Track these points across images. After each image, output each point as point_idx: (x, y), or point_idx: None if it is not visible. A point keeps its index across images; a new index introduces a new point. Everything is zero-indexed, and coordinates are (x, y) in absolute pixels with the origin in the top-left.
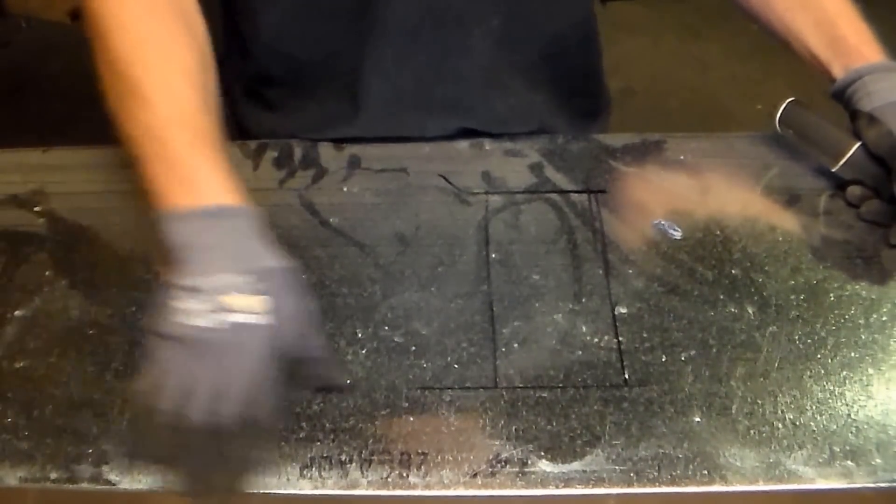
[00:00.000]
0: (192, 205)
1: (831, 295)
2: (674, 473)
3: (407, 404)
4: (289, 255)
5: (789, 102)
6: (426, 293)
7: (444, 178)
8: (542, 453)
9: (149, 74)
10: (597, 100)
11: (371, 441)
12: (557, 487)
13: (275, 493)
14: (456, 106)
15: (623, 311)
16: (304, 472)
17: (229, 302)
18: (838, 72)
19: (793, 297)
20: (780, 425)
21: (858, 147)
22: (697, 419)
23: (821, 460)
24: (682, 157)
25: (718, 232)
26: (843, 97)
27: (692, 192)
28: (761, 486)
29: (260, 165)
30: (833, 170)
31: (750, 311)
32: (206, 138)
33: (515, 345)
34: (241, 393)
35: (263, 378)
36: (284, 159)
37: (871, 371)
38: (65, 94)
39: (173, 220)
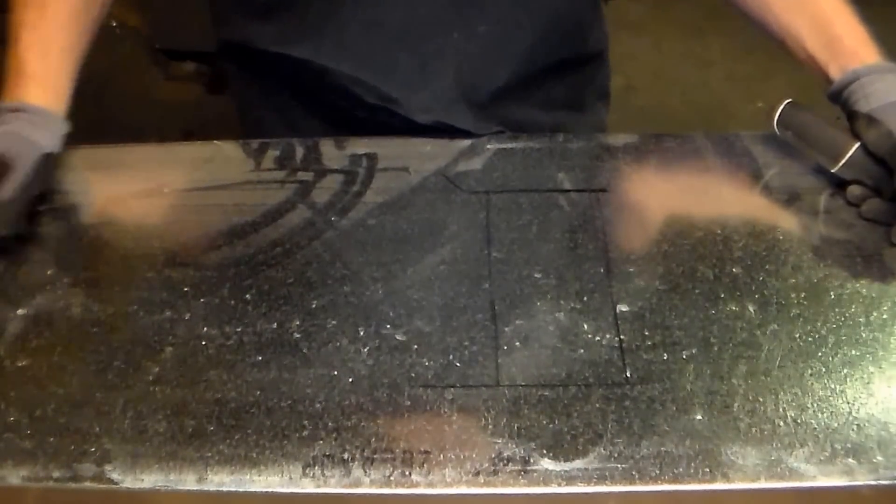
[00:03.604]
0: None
1: (832, 293)
2: (676, 471)
3: (409, 402)
4: (289, 252)
5: (787, 104)
6: (428, 291)
7: (446, 176)
8: (545, 451)
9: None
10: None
11: (373, 439)
12: (559, 485)
13: (277, 492)
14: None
15: (624, 309)
16: (307, 471)
17: None
18: (835, 73)
19: (793, 295)
20: (781, 423)
21: (858, 147)
22: (699, 417)
23: (822, 458)
24: (682, 156)
25: (719, 230)
26: (839, 98)
27: (693, 190)
28: (763, 484)
29: (261, 164)
30: (833, 170)
31: (751, 310)
32: (43, 48)
33: (517, 343)
34: None
35: None
36: (286, 158)
37: (872, 369)
38: None
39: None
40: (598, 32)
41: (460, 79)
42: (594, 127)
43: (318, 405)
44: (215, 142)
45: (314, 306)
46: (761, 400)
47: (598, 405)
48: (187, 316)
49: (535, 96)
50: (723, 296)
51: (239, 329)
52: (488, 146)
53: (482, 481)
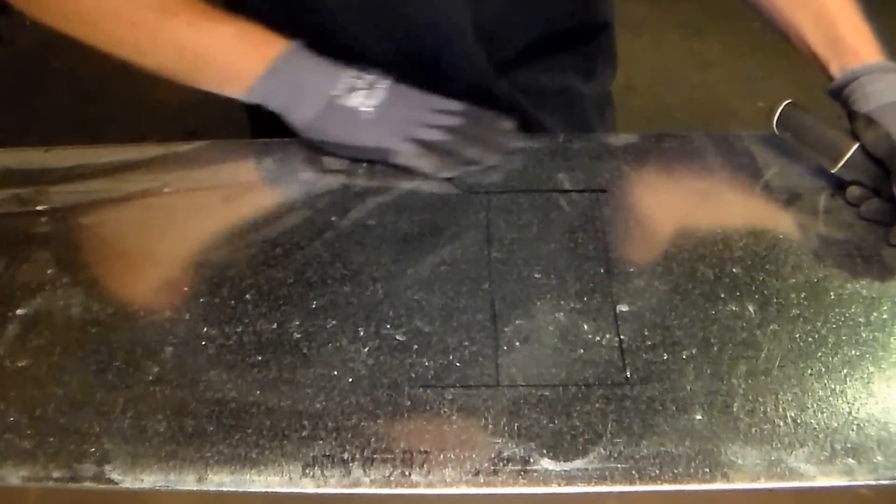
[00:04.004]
0: (271, 59)
1: (832, 293)
2: (675, 471)
3: (409, 402)
4: (289, 252)
5: (786, 104)
6: (428, 291)
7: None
8: (544, 451)
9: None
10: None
11: (373, 439)
12: (559, 485)
13: (277, 492)
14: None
15: (624, 309)
16: (307, 471)
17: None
18: (835, 71)
19: (794, 295)
20: (781, 423)
21: (857, 148)
22: (699, 417)
23: (822, 458)
24: (682, 156)
25: (719, 230)
26: (840, 96)
27: (693, 190)
28: (763, 484)
29: (261, 164)
30: (832, 171)
31: (751, 310)
32: (224, 14)
33: (517, 343)
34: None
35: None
36: (286, 158)
37: (871, 369)
38: (68, 93)
39: (269, 77)
40: (606, 2)
41: (471, 59)
42: (601, 92)
43: (318, 405)
44: (216, 142)
45: (314, 306)
46: (761, 400)
47: (598, 405)
48: (187, 316)
49: (545, 62)
50: (723, 296)
51: (239, 329)
52: None
53: (482, 481)
